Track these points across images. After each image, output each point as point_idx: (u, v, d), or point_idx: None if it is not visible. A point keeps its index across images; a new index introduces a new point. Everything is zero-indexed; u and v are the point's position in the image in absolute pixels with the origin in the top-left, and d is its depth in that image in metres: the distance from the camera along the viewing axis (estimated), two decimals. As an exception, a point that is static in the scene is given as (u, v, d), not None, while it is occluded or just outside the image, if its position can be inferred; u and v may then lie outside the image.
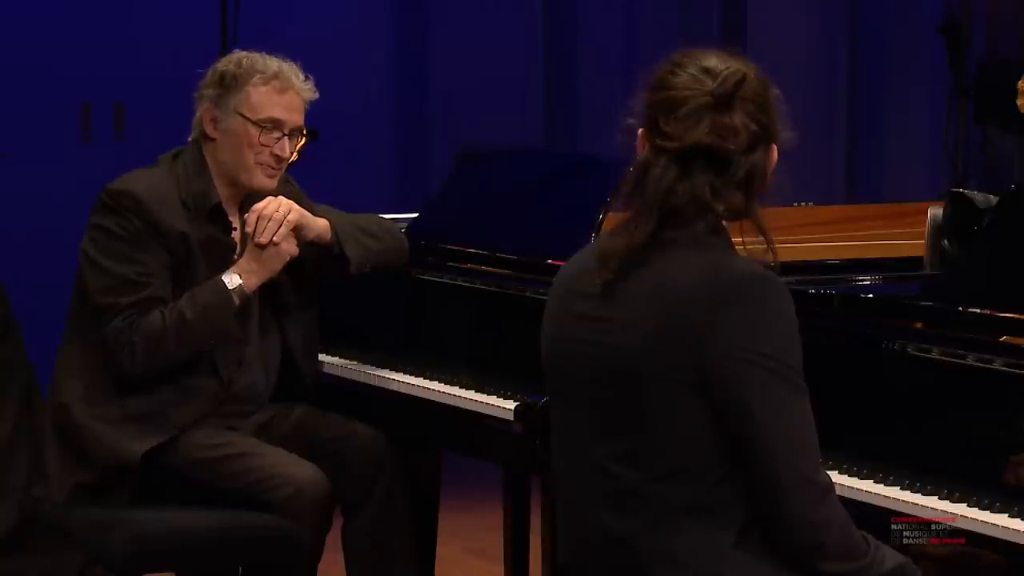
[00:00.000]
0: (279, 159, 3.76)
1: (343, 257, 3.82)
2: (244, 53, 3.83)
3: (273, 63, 3.79)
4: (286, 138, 3.76)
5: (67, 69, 6.31)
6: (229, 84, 3.76)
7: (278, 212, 3.71)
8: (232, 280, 3.67)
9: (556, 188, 4.17)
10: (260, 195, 3.79)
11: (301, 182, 4.03)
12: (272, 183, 3.79)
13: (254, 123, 3.74)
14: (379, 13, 7.02)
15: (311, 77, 3.83)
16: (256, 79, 3.75)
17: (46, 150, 6.26)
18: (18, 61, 6.26)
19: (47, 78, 6.28)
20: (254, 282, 3.71)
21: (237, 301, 3.68)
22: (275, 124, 3.75)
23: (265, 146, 3.74)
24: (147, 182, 3.73)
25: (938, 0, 7.36)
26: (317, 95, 3.83)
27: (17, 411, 4.40)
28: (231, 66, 3.78)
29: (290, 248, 3.73)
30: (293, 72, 3.79)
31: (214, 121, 3.77)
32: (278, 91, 3.76)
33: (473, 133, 5.83)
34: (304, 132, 3.81)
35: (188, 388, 3.69)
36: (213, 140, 3.77)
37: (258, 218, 3.70)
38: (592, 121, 6.96)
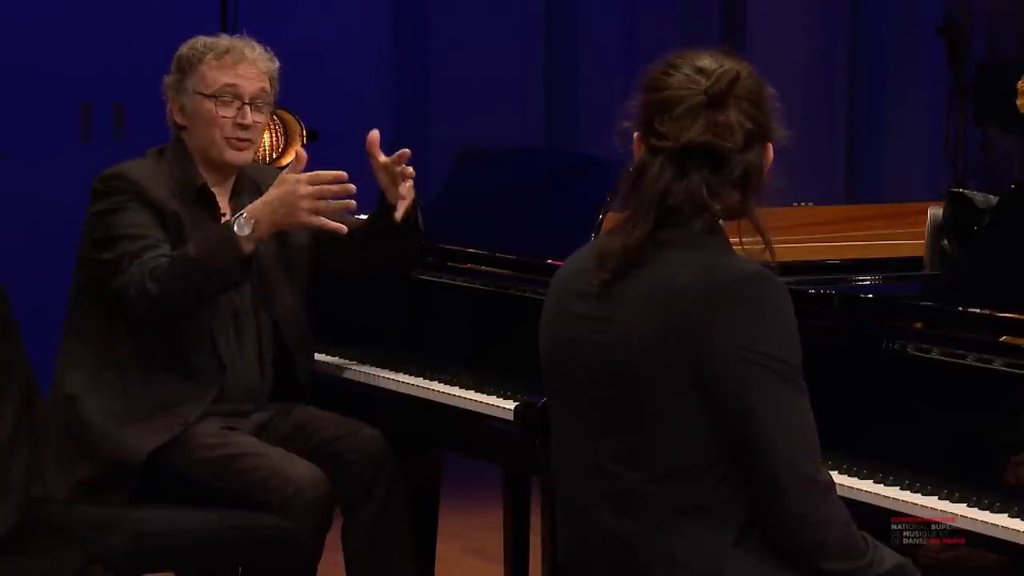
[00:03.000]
0: (244, 128, 3.76)
1: (387, 205, 3.77)
2: (200, 37, 3.85)
3: (225, 40, 3.82)
4: (247, 106, 3.77)
5: (67, 69, 6.32)
6: (185, 67, 3.79)
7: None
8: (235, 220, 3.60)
9: (556, 188, 4.17)
10: (249, 179, 3.81)
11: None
12: (244, 156, 3.79)
13: (209, 96, 3.75)
14: (379, 13, 7.02)
15: (270, 48, 3.83)
16: (209, 57, 3.77)
17: (46, 150, 6.26)
18: (18, 61, 6.26)
19: (47, 78, 6.29)
20: (264, 228, 3.57)
21: (241, 231, 3.54)
22: (232, 92, 3.76)
23: (227, 118, 3.75)
24: (136, 167, 3.77)
25: (938, 0, 7.37)
26: (277, 63, 3.83)
27: (17, 411, 4.40)
28: (185, 50, 3.81)
29: (307, 219, 3.59)
30: (247, 45, 3.81)
31: (181, 109, 3.80)
32: (231, 64, 3.77)
33: (473, 133, 5.82)
34: (272, 101, 3.81)
35: (190, 370, 3.68)
36: (185, 128, 3.80)
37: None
38: (592, 121, 6.96)
